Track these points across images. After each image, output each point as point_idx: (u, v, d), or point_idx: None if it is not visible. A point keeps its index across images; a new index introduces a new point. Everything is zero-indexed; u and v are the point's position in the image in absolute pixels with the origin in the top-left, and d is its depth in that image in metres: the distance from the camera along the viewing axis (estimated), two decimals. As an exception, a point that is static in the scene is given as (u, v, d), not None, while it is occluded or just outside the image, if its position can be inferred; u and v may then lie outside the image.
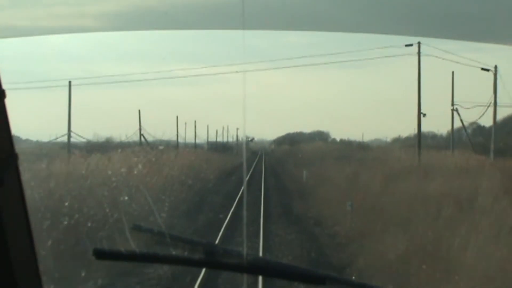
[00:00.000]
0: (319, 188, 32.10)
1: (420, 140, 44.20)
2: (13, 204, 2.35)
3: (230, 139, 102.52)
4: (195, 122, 77.13)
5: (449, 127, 49.09)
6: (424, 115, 43.08)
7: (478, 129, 59.17)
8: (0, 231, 2.24)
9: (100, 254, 2.80)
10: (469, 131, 54.98)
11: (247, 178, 40.83)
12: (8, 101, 2.30)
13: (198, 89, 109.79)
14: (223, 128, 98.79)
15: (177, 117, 69.40)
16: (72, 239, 14.36)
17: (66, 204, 16.47)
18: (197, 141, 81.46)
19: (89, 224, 15.63)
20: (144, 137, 61.81)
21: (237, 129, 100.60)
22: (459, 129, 52.43)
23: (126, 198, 18.78)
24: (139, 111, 62.12)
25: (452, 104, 47.68)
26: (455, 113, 47.82)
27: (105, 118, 79.84)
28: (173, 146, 63.11)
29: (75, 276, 12.20)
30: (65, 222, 15.09)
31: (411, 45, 41.84)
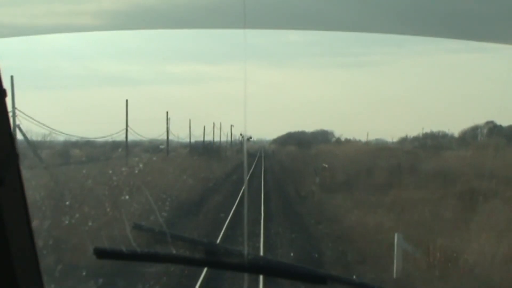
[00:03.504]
0: None
1: None
2: (14, 204, 2.35)
3: (224, 138, 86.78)
4: (167, 113, 56.50)
5: (462, 126, 42.06)
6: None
7: (495, 128, 51.70)
8: (1, 231, 2.24)
9: (101, 253, 2.80)
10: (484, 130, 51.33)
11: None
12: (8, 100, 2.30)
13: (196, 88, 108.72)
14: (213, 124, 78.42)
15: (126, 101, 46.42)
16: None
17: None
18: (192, 140, 66.21)
19: None
20: (21, 130, 34.08)
21: (232, 126, 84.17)
22: (473, 128, 49.28)
23: None
24: (12, 88, 36.23)
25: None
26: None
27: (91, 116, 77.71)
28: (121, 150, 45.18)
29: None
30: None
31: None
